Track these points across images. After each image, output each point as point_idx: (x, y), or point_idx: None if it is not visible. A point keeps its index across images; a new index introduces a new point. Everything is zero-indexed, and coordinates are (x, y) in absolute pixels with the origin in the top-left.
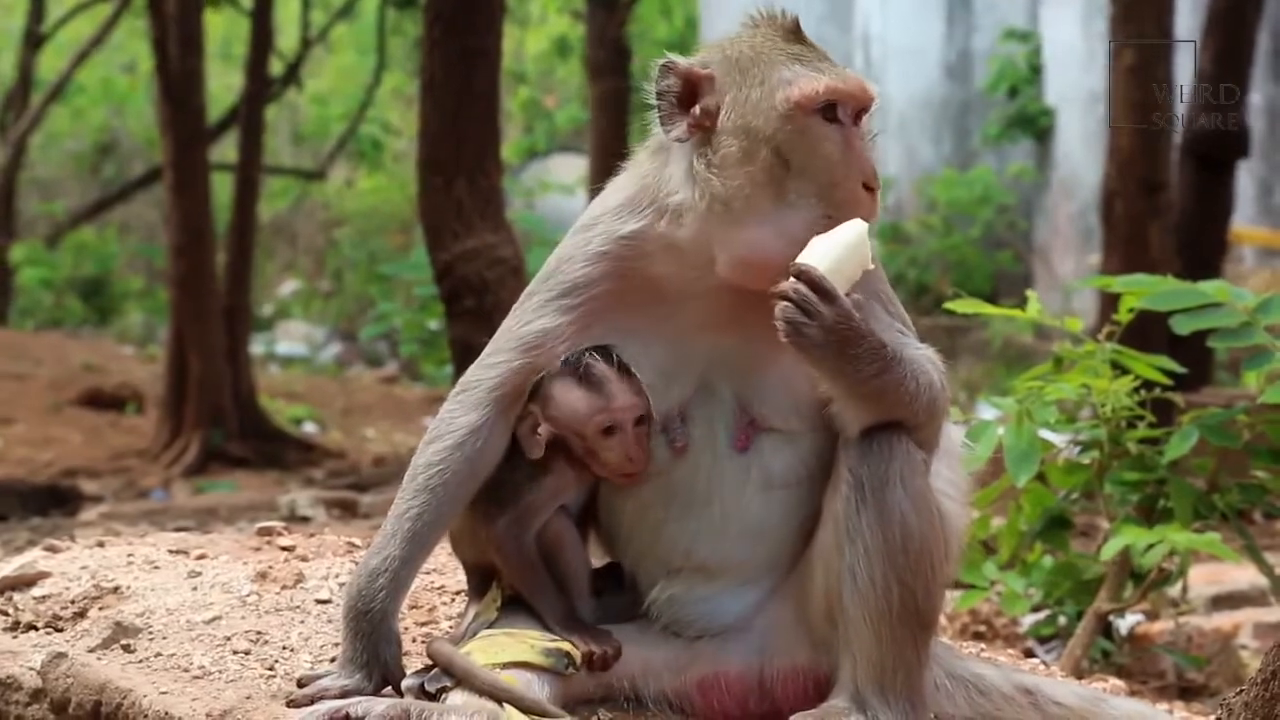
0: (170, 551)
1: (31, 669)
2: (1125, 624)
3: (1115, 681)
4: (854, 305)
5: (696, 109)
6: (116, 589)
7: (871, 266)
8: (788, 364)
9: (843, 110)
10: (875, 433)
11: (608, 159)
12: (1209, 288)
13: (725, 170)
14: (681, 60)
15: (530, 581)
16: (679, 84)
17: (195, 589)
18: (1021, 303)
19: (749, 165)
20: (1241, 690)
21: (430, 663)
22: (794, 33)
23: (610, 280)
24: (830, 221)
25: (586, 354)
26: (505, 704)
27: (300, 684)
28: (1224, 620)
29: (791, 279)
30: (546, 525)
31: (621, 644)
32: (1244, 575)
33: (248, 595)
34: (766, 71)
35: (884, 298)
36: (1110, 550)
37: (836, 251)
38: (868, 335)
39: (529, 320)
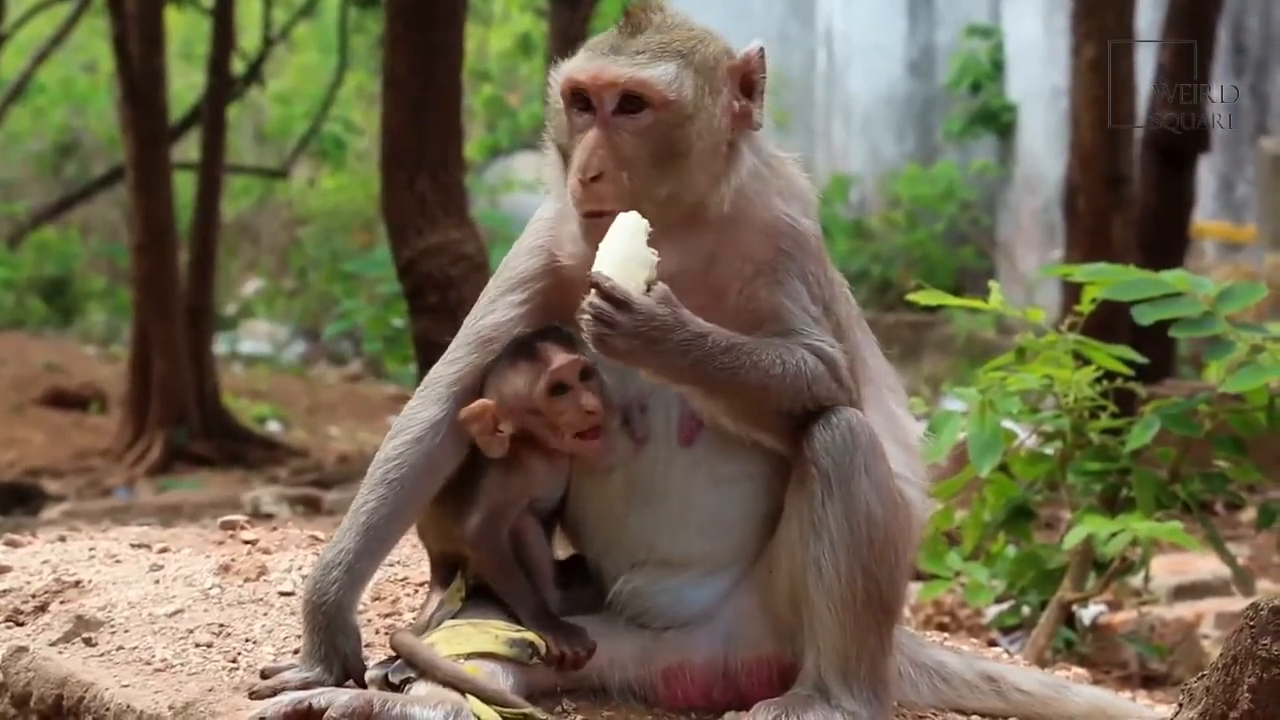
0: (132, 545)
1: None
2: (1088, 614)
3: (1078, 670)
4: (661, 296)
5: None
6: (78, 583)
7: (657, 257)
8: None
9: (595, 98)
10: (834, 424)
11: None
12: (1170, 277)
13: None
14: None
15: (506, 579)
16: None
17: (157, 582)
18: (985, 297)
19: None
20: (1203, 675)
21: (394, 654)
22: (630, 16)
23: (554, 273)
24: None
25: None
26: (468, 695)
27: (263, 676)
28: (1186, 610)
29: (590, 292)
30: None
31: (595, 642)
32: (1206, 565)
33: (210, 588)
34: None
35: (811, 278)
36: (1073, 540)
37: (621, 248)
38: (676, 327)
39: (482, 315)
